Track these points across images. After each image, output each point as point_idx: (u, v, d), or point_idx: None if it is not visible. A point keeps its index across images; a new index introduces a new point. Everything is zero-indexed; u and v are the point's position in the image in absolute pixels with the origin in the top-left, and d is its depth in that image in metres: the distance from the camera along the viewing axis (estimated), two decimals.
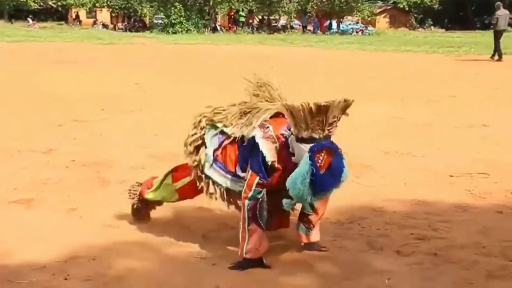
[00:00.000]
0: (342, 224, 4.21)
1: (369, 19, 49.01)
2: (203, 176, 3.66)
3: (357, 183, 5.26)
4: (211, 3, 42.73)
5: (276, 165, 3.39)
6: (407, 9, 56.19)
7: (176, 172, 3.95)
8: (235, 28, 43.29)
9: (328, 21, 46.06)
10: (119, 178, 5.35)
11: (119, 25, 48.69)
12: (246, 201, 3.39)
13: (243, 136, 3.53)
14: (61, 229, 4.08)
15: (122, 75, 14.34)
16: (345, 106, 3.27)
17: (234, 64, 17.48)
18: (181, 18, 39.00)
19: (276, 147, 3.40)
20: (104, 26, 47.79)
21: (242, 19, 45.43)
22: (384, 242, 3.85)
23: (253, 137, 3.45)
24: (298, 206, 3.62)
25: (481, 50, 23.58)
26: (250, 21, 45.87)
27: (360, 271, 3.41)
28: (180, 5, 38.95)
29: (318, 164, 3.12)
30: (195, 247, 3.73)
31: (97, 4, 52.94)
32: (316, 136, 3.19)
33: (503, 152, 6.55)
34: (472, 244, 3.83)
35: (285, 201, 3.31)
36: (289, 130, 3.37)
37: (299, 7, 46.39)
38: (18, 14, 52.37)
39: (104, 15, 54.12)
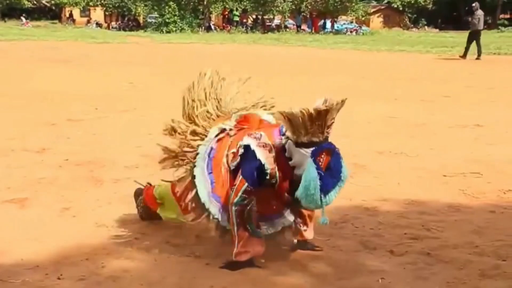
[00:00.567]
0: (335, 224, 4.21)
1: (363, 18, 49.10)
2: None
3: (350, 183, 5.22)
4: (205, 2, 42.72)
5: (276, 172, 3.34)
6: (401, 9, 56.34)
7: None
8: (229, 27, 43.22)
9: (322, 21, 46.09)
10: (113, 178, 5.34)
11: (113, 24, 48.62)
12: (233, 207, 3.37)
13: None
14: (55, 229, 4.07)
15: (116, 74, 14.32)
16: (342, 106, 3.27)
17: (228, 64, 17.48)
18: (175, 17, 38.94)
19: (273, 156, 3.35)
20: (98, 25, 47.68)
21: (236, 18, 45.38)
22: (377, 242, 3.86)
23: (246, 146, 3.40)
24: None
25: (474, 50, 23.63)
26: (244, 20, 45.81)
27: (354, 271, 3.42)
28: (174, 4, 38.89)
29: (320, 165, 3.13)
30: (189, 247, 3.73)
31: (91, 3, 52.87)
32: (316, 139, 3.18)
33: (497, 152, 6.57)
34: (465, 243, 3.84)
35: (321, 219, 3.26)
36: (283, 135, 3.35)
37: (293, 7, 46.41)
38: (11, 12, 52.22)
39: (98, 14, 54.06)
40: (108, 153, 6.29)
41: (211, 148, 3.62)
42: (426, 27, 54.16)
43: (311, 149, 3.15)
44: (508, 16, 57.76)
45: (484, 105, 10.17)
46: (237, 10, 45.96)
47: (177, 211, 3.79)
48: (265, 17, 47.12)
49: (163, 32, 37.63)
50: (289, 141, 3.27)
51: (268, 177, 3.34)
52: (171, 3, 38.86)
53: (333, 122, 3.25)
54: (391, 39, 34.06)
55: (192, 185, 3.56)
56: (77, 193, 4.89)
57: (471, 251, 3.72)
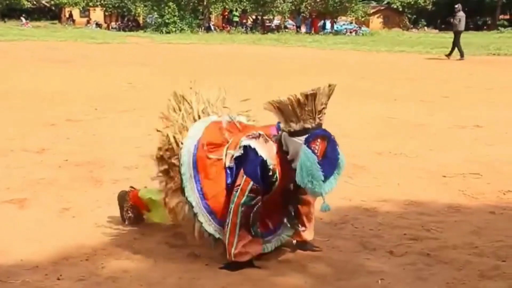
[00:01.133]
0: (335, 225, 4.21)
1: (363, 19, 49.10)
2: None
3: (350, 184, 5.27)
4: (205, 2, 42.73)
5: (277, 169, 3.34)
6: (400, 9, 56.35)
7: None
8: (229, 28, 43.23)
9: (322, 21, 46.10)
10: (113, 178, 5.34)
11: (113, 24, 48.59)
12: (240, 208, 3.35)
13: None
14: (54, 229, 4.06)
15: (115, 74, 14.31)
16: (330, 91, 3.30)
17: (227, 64, 17.48)
18: (175, 18, 38.94)
19: (274, 151, 3.35)
20: (98, 25, 47.68)
21: (236, 19, 45.38)
22: (377, 243, 3.86)
23: (246, 146, 3.41)
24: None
25: (473, 51, 23.66)
26: (244, 21, 45.82)
27: (353, 272, 3.42)
28: (174, 5, 38.89)
29: (315, 153, 3.15)
30: (189, 247, 3.72)
31: (91, 3, 52.81)
32: (309, 126, 3.21)
33: (496, 152, 6.57)
34: (464, 244, 3.84)
35: (322, 206, 3.30)
36: (278, 130, 3.37)
37: (293, 7, 46.42)
38: (11, 13, 52.20)
39: (97, 14, 54.03)
40: (107, 153, 6.29)
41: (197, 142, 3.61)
42: (425, 27, 54.18)
43: (305, 136, 3.18)
44: (507, 17, 57.80)
45: (483, 105, 10.18)
46: (236, 10, 45.96)
47: (165, 215, 3.80)
48: (265, 17, 47.14)
49: (162, 32, 37.63)
50: (284, 132, 3.29)
51: (270, 173, 3.33)
52: (170, 3, 38.86)
53: (324, 108, 3.28)
54: (391, 39, 34.06)
55: (182, 193, 3.56)
56: (77, 194, 4.88)
57: (471, 251, 3.72)
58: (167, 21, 38.80)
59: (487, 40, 31.70)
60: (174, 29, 38.39)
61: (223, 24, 45.48)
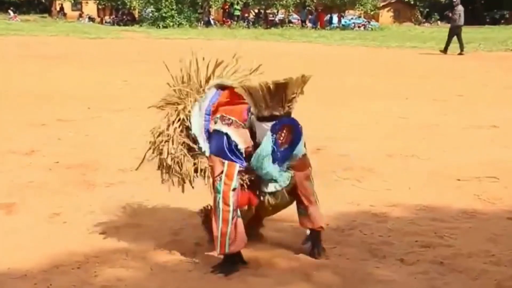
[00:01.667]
0: (342, 231, 4.22)
1: (372, 13, 49.10)
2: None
3: (358, 187, 5.28)
4: None
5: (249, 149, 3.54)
6: (412, 2, 56.34)
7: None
8: (229, 22, 43.28)
9: (329, 15, 46.10)
10: (106, 181, 5.35)
11: (107, 18, 48.64)
12: (231, 193, 3.45)
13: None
14: (44, 235, 4.07)
15: (109, 71, 14.34)
16: (303, 82, 3.53)
17: (228, 60, 17.46)
18: (173, 11, 39.00)
19: (246, 133, 3.56)
20: (91, 19, 47.75)
21: (237, 12, 45.41)
22: (387, 250, 3.85)
23: (220, 131, 3.58)
24: None
25: (490, 47, 23.65)
26: (246, 15, 45.85)
27: (362, 281, 3.42)
28: None
29: (279, 141, 3.43)
30: (187, 255, 3.73)
31: None
32: (277, 113, 3.44)
33: None
34: (480, 252, 3.84)
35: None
36: (249, 112, 3.58)
37: (298, 1, 46.40)
38: None
39: (90, 7, 54.07)
40: (101, 155, 6.29)
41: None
42: (439, 22, 54.15)
43: (272, 123, 3.43)
44: None
45: (500, 105, 10.16)
46: (238, 4, 45.98)
47: None
48: (268, 11, 47.15)
49: (159, 27, 37.68)
50: (252, 115, 3.52)
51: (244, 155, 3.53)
52: None
53: (294, 97, 3.51)
54: (402, 34, 34.07)
55: None
56: (68, 198, 4.89)
57: (487, 260, 3.72)
58: (164, 15, 38.85)
59: (505, 34, 31.62)
60: (171, 24, 38.46)
61: (224, 18, 45.52)
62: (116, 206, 4.61)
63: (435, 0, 55.19)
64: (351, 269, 3.57)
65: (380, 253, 3.82)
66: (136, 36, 29.28)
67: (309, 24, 44.56)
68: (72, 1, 54.00)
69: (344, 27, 43.13)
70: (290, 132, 3.46)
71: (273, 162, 3.45)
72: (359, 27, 43.53)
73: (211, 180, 3.57)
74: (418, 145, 6.98)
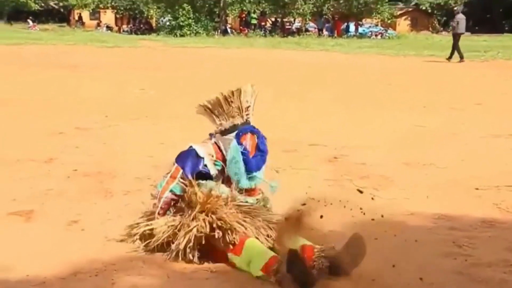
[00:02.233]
0: None
1: (389, 21, 49.00)
2: None
3: (376, 196, 5.25)
4: (221, 4, 42.93)
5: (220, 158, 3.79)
6: (429, 11, 56.22)
7: None
8: (246, 30, 43.42)
9: (346, 24, 46.07)
10: (123, 189, 5.37)
11: (124, 27, 49.03)
12: (166, 192, 3.77)
13: None
14: (62, 243, 4.09)
15: (127, 80, 14.41)
16: (254, 91, 3.91)
17: (245, 69, 17.52)
18: (190, 20, 39.19)
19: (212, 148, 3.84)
20: (108, 28, 48.12)
21: (254, 21, 45.55)
22: (404, 260, 3.82)
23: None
24: None
25: (509, 55, 23.50)
26: (263, 23, 45.98)
27: None
28: (189, 7, 39.15)
29: (246, 148, 3.73)
30: (204, 263, 3.72)
31: (101, 5, 53.38)
32: (238, 122, 3.81)
33: None
34: (500, 262, 3.81)
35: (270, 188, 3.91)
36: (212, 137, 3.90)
37: (315, 9, 46.43)
38: (17, 15, 52.84)
39: (108, 16, 54.54)
40: (118, 163, 6.32)
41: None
42: None
43: (235, 132, 3.76)
44: None
45: None
46: (255, 12, 46.15)
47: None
48: (285, 20, 47.23)
49: (176, 35, 37.89)
50: (217, 134, 3.88)
51: (209, 163, 3.79)
52: (185, 5, 39.12)
53: (249, 106, 3.87)
54: (419, 43, 33.97)
55: None
56: (86, 206, 4.91)
57: (506, 269, 3.68)
58: (181, 23, 39.07)
59: None
60: (188, 32, 38.64)
61: (241, 27, 45.68)
62: (133, 214, 4.62)
63: (453, 8, 54.96)
64: (369, 279, 3.54)
65: (397, 263, 3.79)
66: (153, 45, 29.42)
67: (326, 33, 44.61)
68: (90, 11, 54.44)
69: (361, 36, 43.12)
70: (254, 138, 3.77)
71: (247, 170, 3.74)
72: (376, 35, 43.49)
73: None
74: (436, 153, 6.94)
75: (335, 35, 43.11)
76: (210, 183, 3.77)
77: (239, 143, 3.75)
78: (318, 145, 7.25)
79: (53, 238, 4.18)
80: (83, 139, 7.57)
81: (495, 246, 4.10)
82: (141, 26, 46.18)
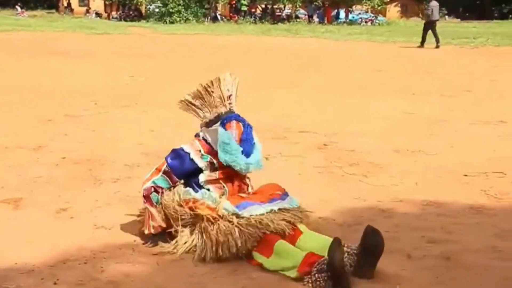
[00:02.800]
0: (349, 226, 4.21)
1: (379, 8, 48.94)
2: None
3: (365, 183, 5.27)
4: None
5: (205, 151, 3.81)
6: None
7: None
8: (236, 17, 43.26)
9: (336, 10, 46.00)
10: (113, 177, 5.36)
11: (114, 14, 48.68)
12: (148, 182, 3.84)
13: None
14: (51, 231, 4.08)
15: (116, 67, 14.36)
16: (234, 79, 3.90)
17: (235, 56, 17.49)
18: (179, 7, 38.99)
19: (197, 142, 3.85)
20: (98, 15, 47.81)
21: (244, 8, 45.36)
22: (393, 246, 3.84)
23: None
24: None
25: (498, 42, 23.56)
26: (253, 10, 45.81)
27: (368, 276, 3.40)
28: None
29: (234, 135, 3.73)
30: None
31: None
32: (221, 111, 3.81)
33: None
34: (487, 248, 3.83)
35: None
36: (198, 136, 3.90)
37: None
38: (5, 1, 52.35)
39: (97, 3, 54.06)
40: (107, 150, 6.31)
41: None
42: (446, 16, 53.93)
43: (220, 121, 3.77)
44: None
45: (508, 100, 10.13)
46: None
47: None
48: (275, 6, 47.06)
49: (166, 22, 37.70)
50: (203, 128, 3.88)
51: (196, 158, 3.79)
52: None
53: (230, 95, 3.86)
54: (409, 30, 33.93)
55: None
56: (75, 193, 4.90)
57: (494, 255, 3.71)
58: (171, 10, 38.85)
59: None
60: (178, 19, 38.44)
61: (231, 14, 45.50)
62: (122, 201, 4.63)
63: None
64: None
65: (386, 248, 3.79)
66: (143, 32, 29.29)
67: (316, 19, 44.52)
68: None
69: (351, 22, 43.06)
70: (239, 126, 3.79)
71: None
72: (366, 22, 43.45)
73: None
74: (425, 140, 6.96)
75: (326, 21, 43.03)
76: (213, 195, 3.73)
77: (224, 128, 3.75)
78: (308, 132, 7.25)
79: (42, 226, 4.17)
80: (72, 126, 7.55)
81: (482, 232, 4.12)
82: (131, 12, 45.84)
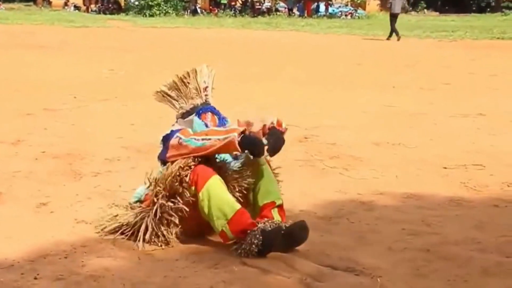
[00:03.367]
0: (329, 219, 4.22)
1: (359, 1, 49.03)
2: None
3: (346, 176, 5.29)
4: None
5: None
6: None
7: None
8: (216, 10, 43.15)
9: (316, 4, 46.04)
10: (93, 171, 5.33)
11: (92, 6, 48.22)
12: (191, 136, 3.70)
13: None
14: (31, 225, 4.05)
15: (95, 60, 14.27)
16: (210, 71, 3.93)
17: (215, 49, 17.44)
18: (159, 0, 38.79)
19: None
20: (76, 7, 47.35)
21: (224, 1, 45.27)
22: (374, 238, 3.86)
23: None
24: None
25: (477, 35, 23.73)
26: (233, 3, 45.70)
27: (349, 268, 3.42)
28: None
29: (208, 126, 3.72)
30: (174, 244, 3.71)
31: None
32: (197, 102, 3.82)
33: (500, 142, 6.61)
34: (467, 239, 3.86)
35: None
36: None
37: None
38: None
39: None
40: (87, 144, 6.26)
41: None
42: (425, 10, 54.19)
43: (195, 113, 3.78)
44: None
45: (487, 93, 10.22)
46: None
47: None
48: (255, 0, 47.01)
49: (146, 15, 37.53)
50: (179, 119, 3.86)
51: None
52: None
53: (207, 87, 3.88)
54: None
55: None
56: (55, 188, 4.87)
57: (473, 247, 3.73)
58: (150, 3, 38.68)
59: (490, 23, 31.76)
60: (158, 12, 38.29)
61: (211, 7, 45.37)
62: (103, 196, 4.60)
63: None
64: (338, 257, 3.57)
65: (367, 241, 3.83)
66: (122, 25, 29.13)
67: (296, 12, 44.53)
68: None
69: (331, 16, 43.12)
70: (214, 118, 3.79)
71: None
72: (346, 15, 43.53)
73: None
74: (405, 133, 7.00)
75: (306, 15, 43.06)
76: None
77: (200, 119, 3.75)
78: (288, 126, 7.23)
79: (21, 221, 4.14)
80: (52, 120, 7.49)
81: (462, 224, 4.15)
82: (110, 5, 45.48)
